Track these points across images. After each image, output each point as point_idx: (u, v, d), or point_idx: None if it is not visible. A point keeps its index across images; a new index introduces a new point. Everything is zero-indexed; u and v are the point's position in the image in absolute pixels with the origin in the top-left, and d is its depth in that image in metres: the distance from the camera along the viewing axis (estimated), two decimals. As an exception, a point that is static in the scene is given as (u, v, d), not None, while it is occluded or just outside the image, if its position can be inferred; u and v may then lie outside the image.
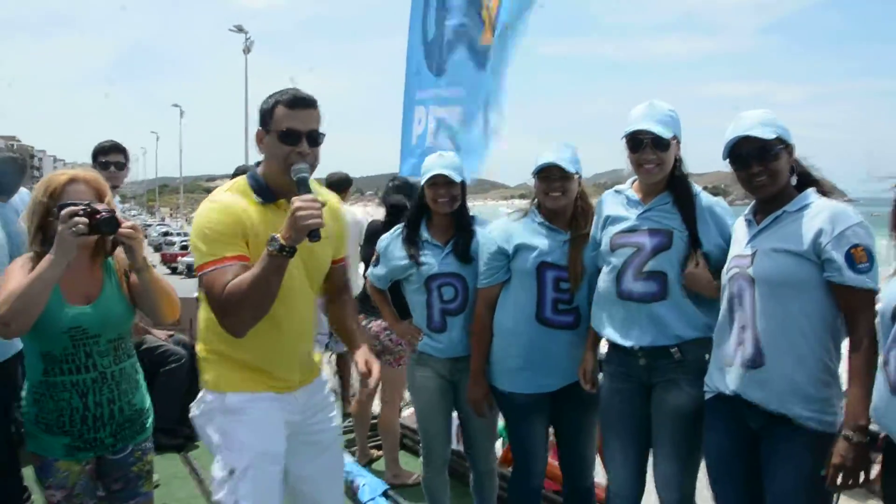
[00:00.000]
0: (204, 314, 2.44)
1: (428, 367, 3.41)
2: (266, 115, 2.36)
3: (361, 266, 4.37)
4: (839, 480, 2.21)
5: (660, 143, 2.68)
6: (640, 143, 2.70)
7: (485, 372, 3.20)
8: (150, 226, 53.97)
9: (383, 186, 4.51)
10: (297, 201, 2.15)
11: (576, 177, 3.01)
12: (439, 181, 3.26)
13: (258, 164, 2.47)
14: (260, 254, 2.21)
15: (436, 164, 3.30)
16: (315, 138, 2.35)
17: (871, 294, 2.21)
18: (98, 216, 2.41)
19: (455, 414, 3.56)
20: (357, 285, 5.48)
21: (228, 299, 2.19)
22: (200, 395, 2.48)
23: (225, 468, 2.35)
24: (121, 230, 2.47)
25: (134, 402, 2.68)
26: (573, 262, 3.00)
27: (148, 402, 2.77)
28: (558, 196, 3.00)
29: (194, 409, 2.49)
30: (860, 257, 2.24)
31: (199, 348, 2.50)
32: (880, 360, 2.14)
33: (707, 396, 2.61)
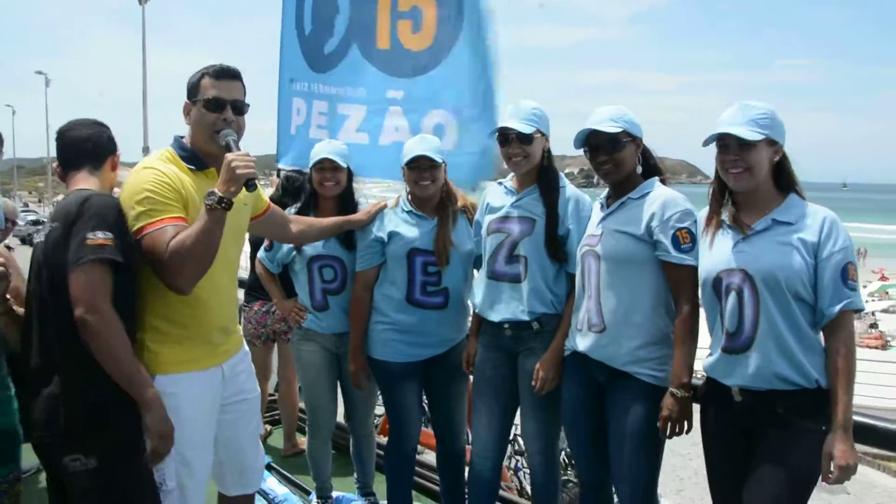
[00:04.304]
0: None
1: (313, 342, 3.60)
2: (193, 88, 2.52)
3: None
4: (668, 429, 2.62)
5: (524, 139, 3.00)
6: (508, 139, 3.03)
7: (362, 348, 3.42)
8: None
9: (259, 170, 4.53)
10: (230, 155, 2.33)
11: (442, 165, 3.29)
12: (326, 165, 3.46)
13: (181, 137, 2.57)
14: (196, 218, 2.34)
15: (324, 149, 3.52)
16: (239, 107, 2.53)
17: (692, 270, 2.60)
18: None
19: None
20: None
21: (172, 256, 2.26)
22: None
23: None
24: None
25: None
26: (439, 243, 3.26)
27: (16, 423, 2.60)
28: (427, 184, 3.26)
29: None
30: (684, 238, 2.62)
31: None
32: (716, 327, 2.52)
33: (566, 354, 2.96)
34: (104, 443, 2.28)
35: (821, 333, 2.40)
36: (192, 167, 2.50)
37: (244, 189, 2.34)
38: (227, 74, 2.52)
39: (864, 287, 33.65)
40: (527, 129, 2.98)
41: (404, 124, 3.98)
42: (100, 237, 2.25)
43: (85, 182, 2.51)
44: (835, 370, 2.32)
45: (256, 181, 2.40)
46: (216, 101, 2.47)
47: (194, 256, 2.27)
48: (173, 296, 2.38)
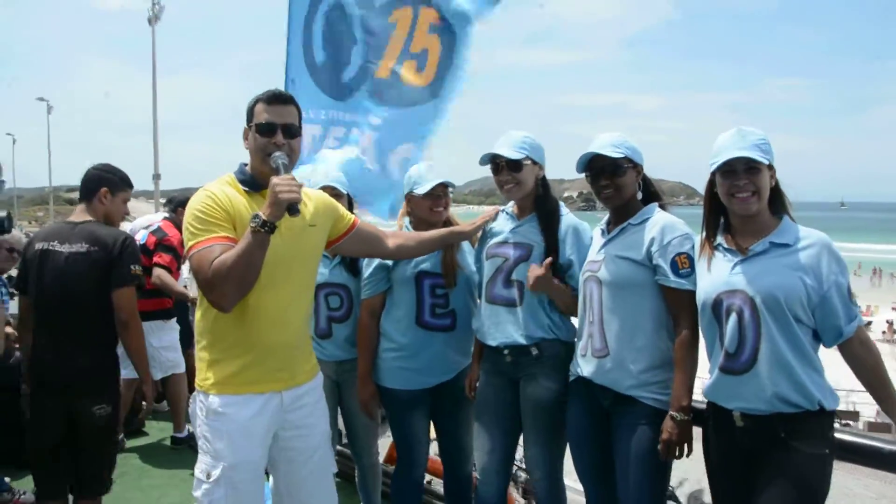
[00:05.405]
0: (200, 313, 2.59)
1: None
2: (249, 113, 2.60)
3: None
4: (668, 452, 2.63)
5: (514, 165, 3.06)
6: (498, 167, 3.10)
7: (371, 374, 3.43)
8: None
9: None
10: (274, 179, 2.37)
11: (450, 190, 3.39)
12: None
13: (245, 164, 2.65)
14: None
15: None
16: (291, 131, 2.57)
17: (690, 295, 2.63)
18: None
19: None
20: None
21: (215, 274, 2.33)
22: (196, 391, 2.61)
23: (203, 471, 2.49)
24: None
25: None
26: (447, 264, 3.31)
27: None
28: (441, 211, 3.35)
29: (192, 402, 2.65)
30: (682, 263, 2.66)
31: (196, 348, 2.63)
32: (714, 349, 2.53)
33: (571, 379, 2.98)
34: (114, 396, 3.54)
35: (817, 355, 2.42)
36: (248, 189, 2.57)
37: (287, 213, 2.37)
38: (279, 99, 2.58)
39: (895, 309, 33.34)
40: (516, 155, 3.04)
41: (372, 151, 4.38)
42: (138, 269, 3.56)
43: (83, 213, 3.61)
44: (880, 382, 2.38)
45: (301, 205, 2.43)
46: (267, 125, 2.53)
47: (234, 276, 2.33)
48: (227, 315, 2.44)
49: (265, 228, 2.31)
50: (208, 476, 2.47)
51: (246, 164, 2.64)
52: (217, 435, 2.48)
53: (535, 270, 2.96)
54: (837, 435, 2.45)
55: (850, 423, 17.03)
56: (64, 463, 3.51)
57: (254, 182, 2.59)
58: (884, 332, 30.40)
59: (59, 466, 3.52)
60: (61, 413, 3.44)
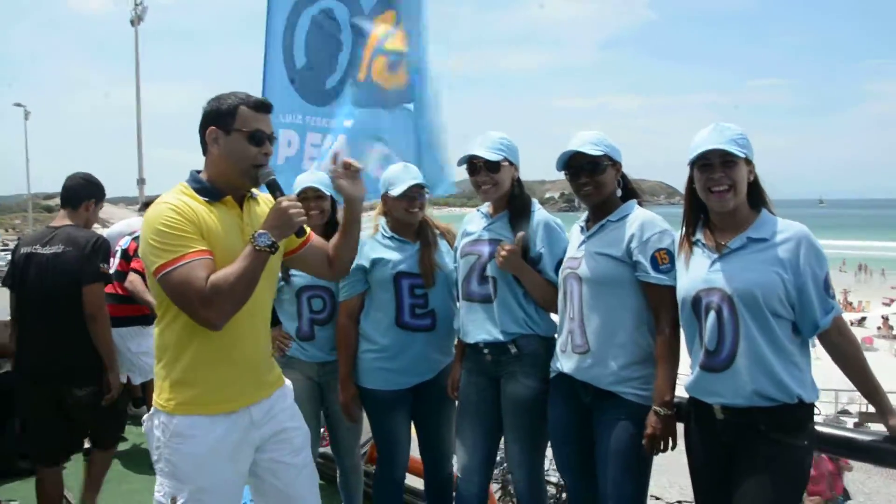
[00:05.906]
0: (159, 329, 2.44)
1: (296, 370, 3.56)
2: (226, 115, 2.40)
3: None
4: (652, 447, 2.63)
5: (492, 166, 3.06)
6: (476, 168, 3.09)
7: (351, 377, 3.41)
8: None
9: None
10: (284, 201, 2.34)
11: (426, 190, 3.39)
12: (310, 194, 3.47)
13: (198, 171, 2.49)
14: (215, 248, 2.32)
15: (307, 178, 3.56)
16: (272, 141, 2.48)
17: (671, 290, 2.63)
18: None
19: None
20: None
21: (215, 291, 2.22)
22: (153, 410, 2.45)
23: (167, 496, 2.37)
24: None
25: None
26: (425, 264, 3.31)
27: None
28: (417, 211, 3.34)
29: (147, 421, 2.48)
30: (662, 259, 2.67)
31: (156, 366, 2.48)
32: (694, 345, 2.54)
33: (552, 376, 2.98)
34: (95, 378, 3.86)
35: (799, 348, 2.42)
36: (207, 199, 2.42)
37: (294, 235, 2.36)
38: (266, 108, 2.47)
39: (887, 304, 33.37)
40: (494, 156, 3.05)
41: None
42: (105, 267, 3.87)
43: (63, 219, 3.97)
44: (862, 372, 2.39)
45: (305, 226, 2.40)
46: (260, 134, 2.41)
47: (235, 294, 2.26)
48: (195, 330, 2.33)
49: (272, 249, 2.29)
50: (173, 501, 2.36)
51: (199, 172, 2.50)
52: (183, 458, 2.36)
53: (505, 246, 2.97)
54: (817, 427, 2.47)
55: (870, 425, 16.77)
56: (57, 433, 3.92)
57: (213, 190, 2.43)
58: (879, 328, 30.50)
59: (54, 437, 3.92)
60: (49, 398, 3.83)
